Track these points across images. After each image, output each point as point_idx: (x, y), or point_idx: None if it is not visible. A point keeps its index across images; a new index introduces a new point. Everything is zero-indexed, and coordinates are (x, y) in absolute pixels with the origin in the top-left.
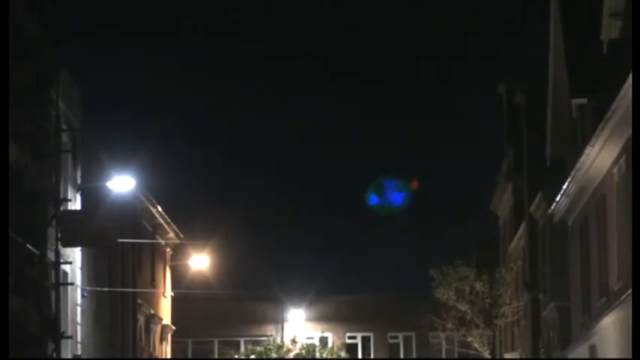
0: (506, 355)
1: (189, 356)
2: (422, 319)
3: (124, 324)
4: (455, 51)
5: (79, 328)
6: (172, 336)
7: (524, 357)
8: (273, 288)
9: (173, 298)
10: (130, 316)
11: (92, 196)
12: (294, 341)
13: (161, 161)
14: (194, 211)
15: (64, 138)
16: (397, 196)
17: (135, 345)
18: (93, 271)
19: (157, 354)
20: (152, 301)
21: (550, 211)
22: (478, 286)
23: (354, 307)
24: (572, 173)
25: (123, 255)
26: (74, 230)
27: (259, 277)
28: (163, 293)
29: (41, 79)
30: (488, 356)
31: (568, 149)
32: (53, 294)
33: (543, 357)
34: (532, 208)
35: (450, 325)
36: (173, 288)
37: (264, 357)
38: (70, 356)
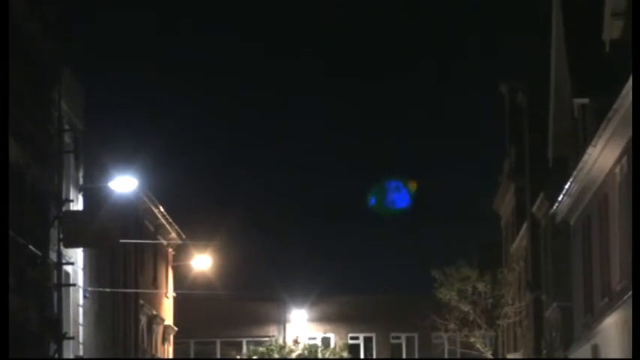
0: (509, 356)
1: (192, 357)
2: (424, 319)
3: (126, 325)
4: (455, 51)
5: (81, 328)
6: (174, 337)
7: (526, 357)
8: (275, 288)
9: (175, 299)
10: (132, 316)
11: (94, 196)
12: (296, 342)
13: (163, 162)
14: (196, 211)
15: (66, 138)
16: (397, 197)
17: (137, 346)
18: (95, 271)
19: (159, 355)
20: (154, 301)
21: (552, 211)
22: (480, 286)
23: (356, 307)
24: (575, 173)
25: (125, 255)
26: (76, 231)
27: (261, 277)
28: (165, 294)
29: (43, 79)
30: (491, 357)
31: (570, 149)
32: (55, 295)
33: (545, 357)
34: (534, 208)
35: (452, 326)
36: (175, 288)
37: (266, 357)
38: (72, 357)
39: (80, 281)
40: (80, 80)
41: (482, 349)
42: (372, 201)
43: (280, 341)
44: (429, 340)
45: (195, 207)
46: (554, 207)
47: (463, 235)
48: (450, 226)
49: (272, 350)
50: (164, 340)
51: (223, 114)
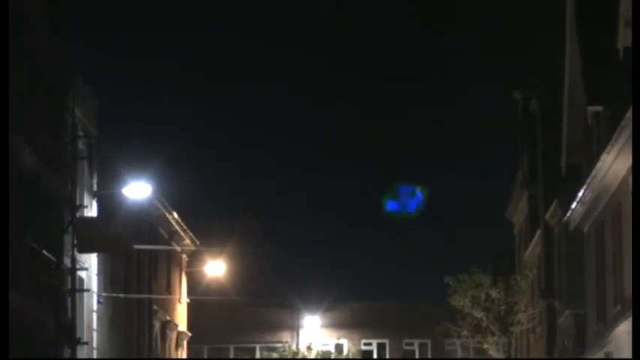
0: None
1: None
2: (437, 326)
3: (139, 330)
4: (455, 51)
5: (94, 334)
6: (188, 342)
7: None
8: (288, 295)
9: (189, 305)
10: (145, 322)
11: (108, 202)
12: (309, 348)
13: (177, 168)
14: (210, 217)
15: (80, 145)
16: (413, 202)
17: (150, 351)
18: (109, 277)
19: None
20: (168, 307)
21: (566, 218)
22: (494, 293)
23: (369, 313)
24: (588, 180)
25: (139, 261)
26: (90, 237)
27: (275, 283)
28: (179, 300)
29: (57, 86)
30: None
31: (583, 156)
32: (69, 300)
33: None
34: (547, 215)
35: (465, 333)
36: (189, 294)
37: None
38: None
39: (94, 287)
40: (93, 86)
41: (495, 356)
42: (390, 207)
43: (293, 347)
44: (442, 347)
45: (208, 213)
46: (568, 214)
47: (477, 242)
48: (463, 233)
49: (285, 356)
50: (177, 345)
51: (224, 113)
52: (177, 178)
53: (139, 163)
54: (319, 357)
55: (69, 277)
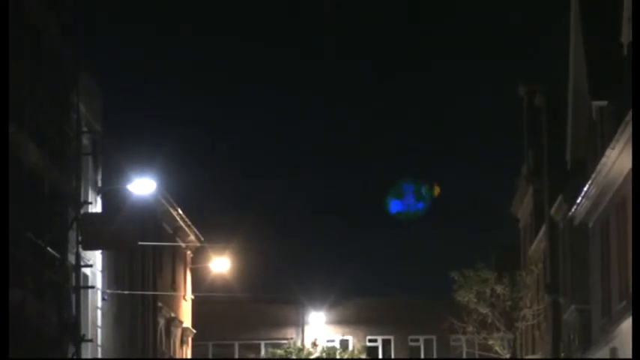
0: (527, 357)
1: (210, 358)
2: (443, 322)
3: (144, 327)
4: (455, 51)
5: (99, 331)
6: (193, 339)
7: (545, 359)
8: (293, 291)
9: (193, 301)
10: (150, 319)
11: (112, 198)
12: (314, 344)
13: (181, 163)
14: (214, 213)
15: (85, 141)
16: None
17: (155, 348)
18: (113, 274)
19: (178, 357)
20: (172, 304)
21: (571, 213)
22: (499, 288)
23: (374, 310)
24: (593, 175)
25: (143, 258)
26: (95, 233)
27: (280, 279)
28: (184, 296)
29: (61, 82)
30: (509, 359)
31: (588, 151)
32: (74, 297)
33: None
34: (552, 210)
35: (470, 328)
36: (193, 291)
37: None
38: (90, 359)
39: (99, 283)
40: (98, 82)
41: (500, 352)
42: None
43: (298, 344)
44: (448, 343)
45: (213, 209)
46: (573, 209)
47: (481, 238)
48: (468, 228)
49: (290, 353)
50: (182, 342)
51: (223, 114)
52: (181, 175)
53: (144, 159)
54: (324, 353)
55: (73, 274)
